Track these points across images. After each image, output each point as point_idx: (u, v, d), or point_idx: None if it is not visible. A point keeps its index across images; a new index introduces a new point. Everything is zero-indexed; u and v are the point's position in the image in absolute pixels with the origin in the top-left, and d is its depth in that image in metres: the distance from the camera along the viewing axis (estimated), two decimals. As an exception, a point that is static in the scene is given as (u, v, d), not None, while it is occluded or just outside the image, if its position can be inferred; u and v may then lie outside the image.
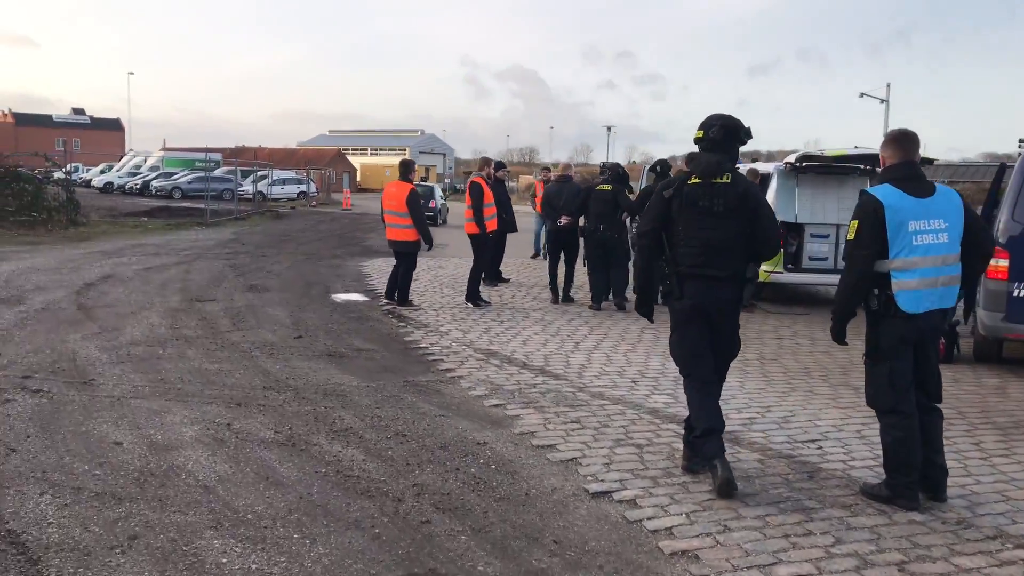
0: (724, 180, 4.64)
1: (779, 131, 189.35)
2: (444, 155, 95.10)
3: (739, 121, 4.81)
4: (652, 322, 5.30)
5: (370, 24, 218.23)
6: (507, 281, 13.66)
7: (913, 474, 4.39)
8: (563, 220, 11.85)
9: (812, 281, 12.65)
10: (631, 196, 12.19)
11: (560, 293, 11.85)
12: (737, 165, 4.94)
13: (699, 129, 4.79)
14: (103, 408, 5.80)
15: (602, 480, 4.74)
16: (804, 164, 11.95)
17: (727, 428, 5.63)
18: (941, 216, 4.37)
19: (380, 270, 14.90)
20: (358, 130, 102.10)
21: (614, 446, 5.32)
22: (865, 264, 4.37)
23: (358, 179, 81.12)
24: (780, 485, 4.74)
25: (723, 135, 4.71)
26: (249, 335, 8.66)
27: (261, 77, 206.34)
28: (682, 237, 4.71)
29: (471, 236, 11.22)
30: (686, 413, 5.98)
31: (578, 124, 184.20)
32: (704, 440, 4.65)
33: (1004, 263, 7.74)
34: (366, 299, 11.58)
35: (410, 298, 11.01)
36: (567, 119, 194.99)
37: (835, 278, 12.22)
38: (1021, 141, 8.59)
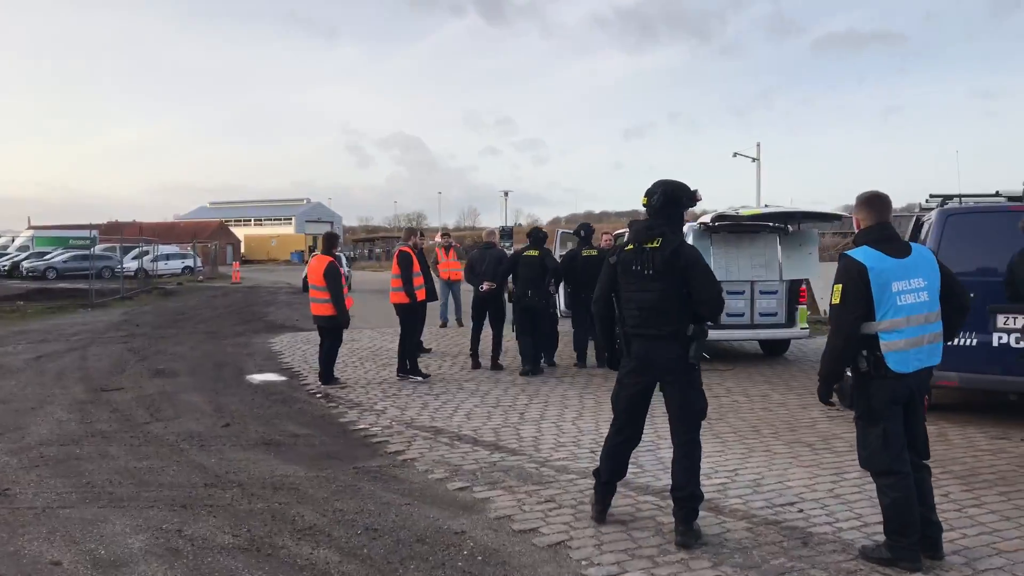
0: (654, 244, 4.80)
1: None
2: (332, 223, 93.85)
3: (681, 187, 4.96)
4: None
5: (247, 95, 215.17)
6: (429, 351, 13.34)
7: (914, 535, 4.35)
8: (485, 286, 11.74)
9: (730, 337, 12.89)
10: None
11: (490, 360, 11.69)
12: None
13: (644, 195, 4.96)
14: (28, 522, 5.20)
15: (599, 564, 4.51)
16: (717, 224, 12.26)
17: (704, 497, 5.57)
18: (920, 275, 4.43)
19: (291, 347, 14.33)
20: (241, 201, 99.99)
21: (598, 525, 5.10)
22: (852, 327, 4.37)
23: (243, 251, 79.21)
24: (778, 554, 4.62)
25: (663, 202, 4.88)
26: (172, 426, 8.06)
27: (132, 150, 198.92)
28: (623, 299, 4.96)
29: (399, 306, 10.89)
30: (658, 483, 5.89)
31: (463, 189, 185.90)
32: (603, 486, 5.13)
33: (931, 313, 8.00)
34: (284, 379, 11.04)
35: (336, 375, 10.56)
36: (452, 184, 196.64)
37: (751, 333, 12.72)
38: (931, 196, 8.98)
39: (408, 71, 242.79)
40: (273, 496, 5.74)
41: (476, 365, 11.79)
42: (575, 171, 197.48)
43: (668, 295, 4.75)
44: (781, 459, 6.69)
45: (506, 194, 48.09)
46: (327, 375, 10.39)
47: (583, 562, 4.54)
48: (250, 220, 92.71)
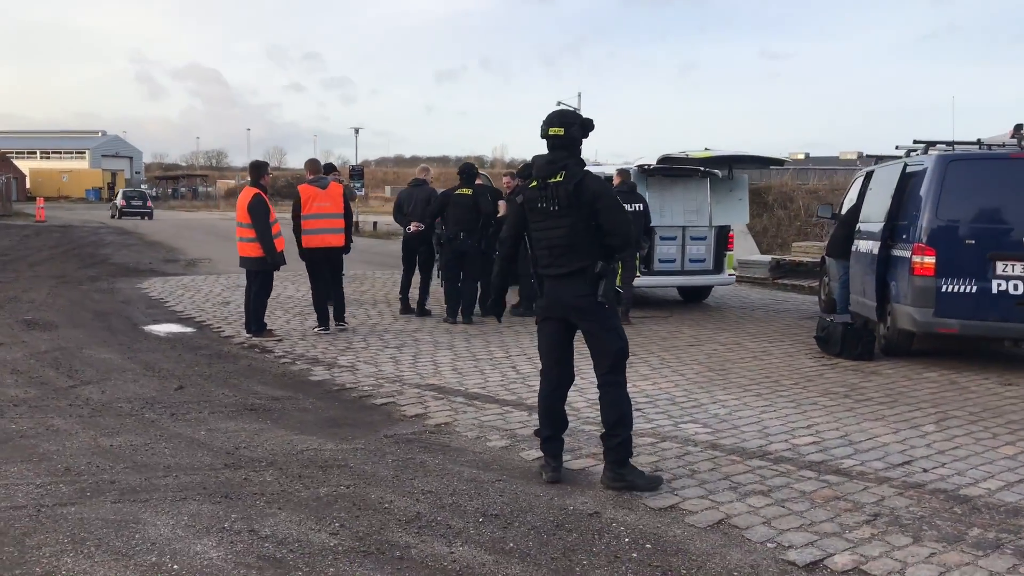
0: (557, 179, 4.54)
1: (468, 136, 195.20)
2: (131, 158, 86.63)
3: (576, 116, 4.78)
4: (500, 321, 5.54)
5: (14, 13, 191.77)
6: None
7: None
8: (412, 227, 10.74)
9: (663, 283, 12.58)
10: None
11: (417, 306, 10.81)
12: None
13: (556, 127, 4.63)
14: (33, 528, 3.88)
15: (792, 546, 3.87)
16: (652, 168, 11.82)
17: (816, 459, 5.15)
18: None
19: (171, 294, 12.64)
20: (23, 131, 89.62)
21: (741, 497, 4.47)
22: None
23: (28, 186, 71.35)
24: (965, 522, 4.17)
25: (580, 133, 4.63)
26: (110, 390, 6.63)
27: None
28: (533, 240, 4.72)
29: (337, 251, 9.62)
30: (749, 444, 5.38)
31: (266, 127, 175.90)
32: (544, 442, 4.77)
33: (931, 260, 7.92)
34: (193, 331, 9.60)
35: (269, 327, 9.25)
36: (254, 121, 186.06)
37: (681, 279, 12.45)
38: (916, 142, 8.90)
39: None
40: (327, 477, 4.68)
41: (406, 309, 10.89)
42: (385, 113, 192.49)
43: (576, 231, 4.53)
44: (842, 412, 6.30)
45: (356, 131, 45.51)
46: (257, 325, 9.07)
47: (770, 544, 3.91)
48: (35, 152, 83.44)
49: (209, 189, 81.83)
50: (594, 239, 4.54)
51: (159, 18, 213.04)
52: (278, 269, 9.23)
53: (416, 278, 11.04)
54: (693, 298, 13.09)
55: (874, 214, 9.26)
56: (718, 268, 12.36)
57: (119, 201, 44.99)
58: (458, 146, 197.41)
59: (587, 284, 4.55)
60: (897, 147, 9.43)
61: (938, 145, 8.72)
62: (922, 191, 8.15)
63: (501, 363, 7.94)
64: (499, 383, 7.10)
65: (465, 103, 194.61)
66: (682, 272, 12.27)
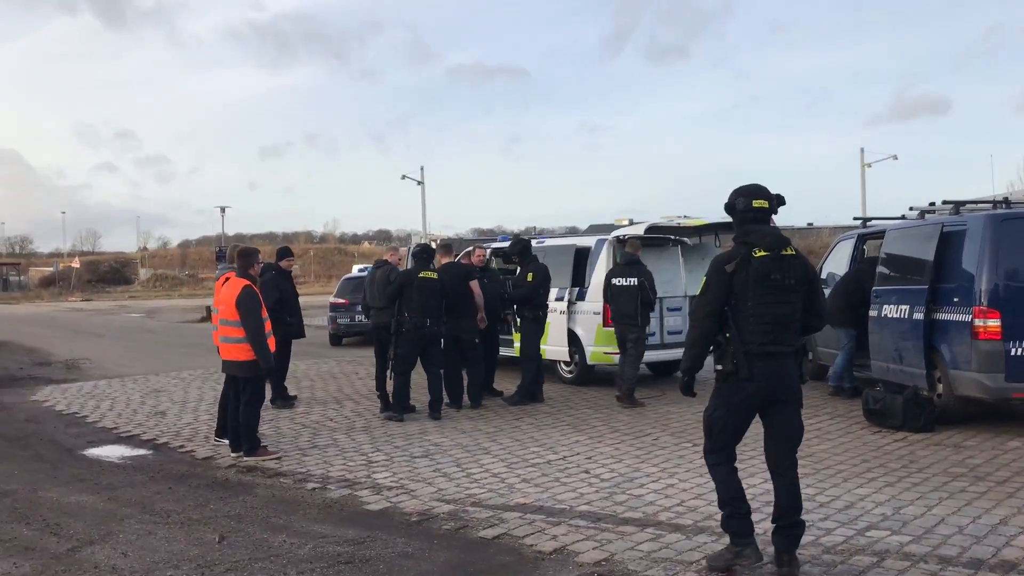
0: (791, 252, 4.41)
1: (296, 212, 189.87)
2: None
3: (743, 190, 4.58)
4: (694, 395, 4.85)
5: None
6: (295, 398, 10.57)
7: None
8: None
9: (648, 359, 11.81)
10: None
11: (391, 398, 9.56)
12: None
13: (760, 199, 4.49)
14: None
15: None
16: (627, 237, 11.25)
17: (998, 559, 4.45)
18: None
19: (82, 405, 10.73)
20: None
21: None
22: None
23: None
24: None
25: (775, 205, 4.53)
26: (131, 551, 5.10)
27: None
28: (752, 313, 4.34)
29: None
30: (958, 550, 4.69)
31: (76, 209, 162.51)
32: (735, 520, 4.43)
33: (996, 323, 7.60)
34: (152, 453, 7.96)
35: (264, 443, 7.72)
36: (61, 204, 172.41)
37: (662, 354, 11.68)
38: (944, 202, 8.70)
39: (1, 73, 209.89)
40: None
41: (387, 407, 9.65)
42: (206, 190, 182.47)
43: (799, 308, 4.46)
44: (1013, 501, 5.67)
45: (223, 210, 42.12)
46: (250, 443, 7.54)
47: None
48: None
49: (22, 279, 75.39)
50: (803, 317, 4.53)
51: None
52: (271, 375, 7.78)
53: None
54: (665, 372, 12.41)
55: (900, 278, 8.95)
56: (694, 339, 11.78)
57: None
58: (285, 222, 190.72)
59: (797, 364, 4.49)
60: (911, 207, 9.26)
61: (967, 204, 8.56)
62: (972, 252, 7.86)
63: (567, 468, 6.87)
64: (598, 495, 6.04)
65: (291, 179, 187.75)
66: (662, 346, 11.62)
